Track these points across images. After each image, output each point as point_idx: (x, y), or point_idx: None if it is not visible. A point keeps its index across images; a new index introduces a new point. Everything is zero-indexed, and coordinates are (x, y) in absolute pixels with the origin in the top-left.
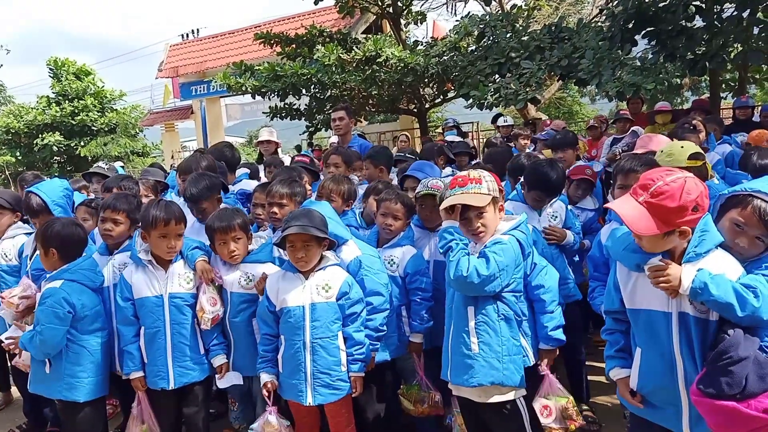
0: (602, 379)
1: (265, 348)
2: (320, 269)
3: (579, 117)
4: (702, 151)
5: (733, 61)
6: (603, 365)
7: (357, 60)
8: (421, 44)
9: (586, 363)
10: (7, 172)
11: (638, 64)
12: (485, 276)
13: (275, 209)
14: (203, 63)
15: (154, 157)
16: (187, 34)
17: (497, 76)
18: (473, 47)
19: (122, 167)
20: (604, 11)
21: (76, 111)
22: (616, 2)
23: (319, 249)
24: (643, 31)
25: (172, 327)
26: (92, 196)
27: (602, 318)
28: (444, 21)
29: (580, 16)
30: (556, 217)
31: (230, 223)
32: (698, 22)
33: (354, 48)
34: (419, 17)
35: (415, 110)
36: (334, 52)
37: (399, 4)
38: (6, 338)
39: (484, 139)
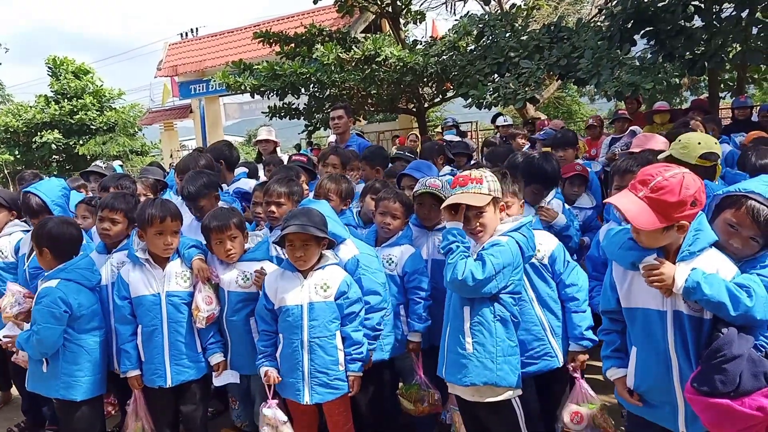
0: (599, 377)
1: (265, 343)
2: (319, 268)
3: (578, 117)
4: (717, 153)
5: (732, 61)
6: (600, 363)
7: (356, 59)
8: (420, 44)
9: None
10: (5, 171)
11: (637, 63)
12: (480, 280)
13: (273, 208)
14: (202, 62)
15: (153, 156)
16: (186, 33)
17: (496, 75)
18: (472, 47)
19: (121, 166)
20: (603, 11)
21: (75, 110)
22: (615, 2)
23: (318, 248)
24: (642, 31)
25: (170, 325)
26: (91, 194)
27: (600, 317)
28: (443, 20)
29: (579, 15)
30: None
31: (226, 222)
32: (697, 21)
33: (353, 47)
34: (418, 16)
35: (414, 110)
36: (333, 51)
37: (398, 3)
38: (3, 336)
39: (483, 139)
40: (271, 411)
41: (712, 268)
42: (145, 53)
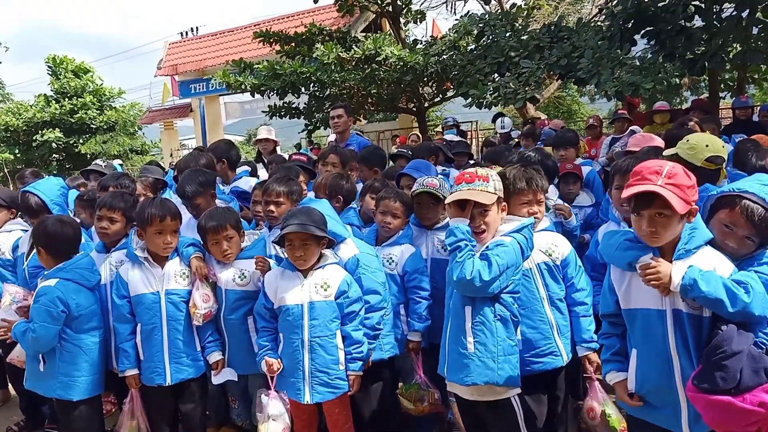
0: (598, 376)
1: (265, 339)
2: (319, 268)
3: (578, 116)
4: (723, 156)
5: (732, 61)
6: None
7: (356, 59)
8: (421, 43)
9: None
10: (5, 170)
11: (637, 63)
12: (486, 280)
13: (272, 207)
14: (202, 61)
15: (153, 155)
16: (187, 32)
17: (496, 75)
18: (472, 46)
19: (121, 165)
20: (604, 11)
21: (75, 109)
22: (616, 2)
23: (317, 247)
24: (643, 31)
25: (169, 323)
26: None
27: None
28: (443, 20)
29: (579, 15)
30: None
31: (222, 222)
32: (697, 21)
33: (353, 47)
34: (418, 16)
35: (414, 109)
36: (334, 50)
37: (398, 2)
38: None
39: (483, 138)
40: (275, 403)
41: (708, 266)
42: (145, 52)
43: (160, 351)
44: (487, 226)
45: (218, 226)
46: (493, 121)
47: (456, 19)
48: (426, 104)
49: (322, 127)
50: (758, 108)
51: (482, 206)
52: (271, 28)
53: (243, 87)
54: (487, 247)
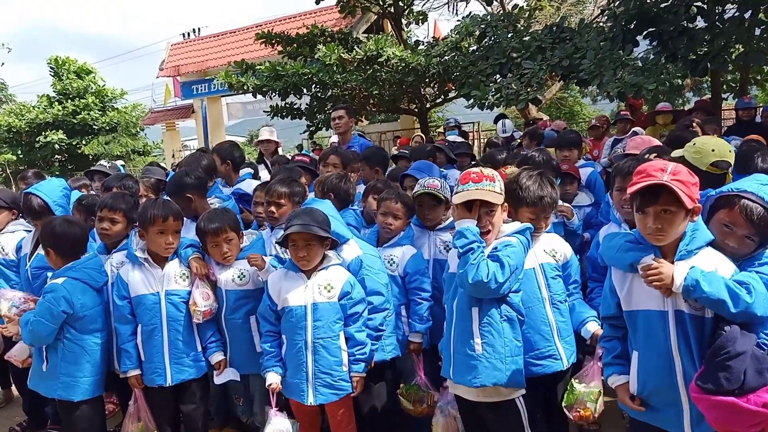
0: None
1: (270, 344)
2: (322, 269)
3: (580, 117)
4: (729, 161)
5: (735, 62)
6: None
7: (358, 60)
8: (423, 44)
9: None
10: (8, 171)
11: (640, 64)
12: (501, 282)
13: (273, 208)
14: (204, 62)
15: (155, 156)
16: (189, 33)
17: (498, 76)
18: (474, 47)
19: (123, 166)
20: (606, 12)
21: (78, 110)
22: (618, 3)
23: (321, 248)
24: (645, 32)
25: (169, 324)
26: (93, 193)
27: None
28: (445, 21)
29: (581, 16)
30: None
31: (221, 225)
32: (700, 22)
33: (355, 48)
34: (420, 17)
35: (416, 110)
36: (335, 51)
37: (400, 3)
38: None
39: (485, 139)
40: (279, 419)
41: (710, 267)
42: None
43: (161, 352)
44: (492, 227)
45: (218, 229)
46: (495, 122)
47: (458, 20)
48: (428, 105)
49: (324, 128)
50: (761, 109)
51: (489, 206)
52: (273, 30)
53: (245, 88)
54: (496, 248)
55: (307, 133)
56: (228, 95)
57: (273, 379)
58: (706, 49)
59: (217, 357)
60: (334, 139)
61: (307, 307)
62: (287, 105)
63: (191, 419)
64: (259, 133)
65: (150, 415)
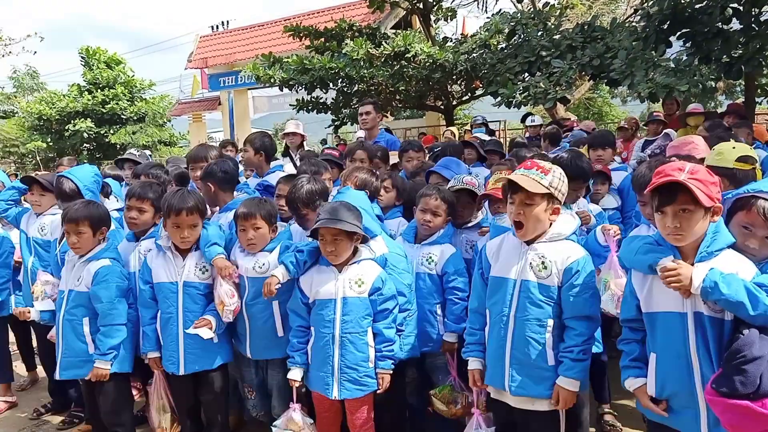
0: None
1: (299, 340)
2: (354, 263)
3: (609, 118)
4: (754, 156)
5: None
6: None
7: (385, 55)
8: (451, 41)
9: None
10: (38, 157)
11: (672, 65)
12: None
13: (282, 202)
14: (232, 55)
15: (181, 147)
16: (217, 26)
17: (527, 74)
18: (503, 45)
19: (150, 156)
20: (639, 11)
21: (107, 99)
22: (652, 2)
23: (350, 243)
24: (679, 33)
25: (185, 315)
26: (126, 182)
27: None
28: (474, 18)
29: (614, 15)
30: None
31: (252, 211)
32: (735, 24)
33: (383, 43)
34: (449, 14)
35: (442, 107)
36: (363, 46)
37: (429, 0)
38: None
39: (510, 139)
40: (299, 415)
41: (730, 269)
42: (176, 45)
43: (175, 341)
44: (526, 220)
45: (248, 214)
46: (522, 120)
47: (487, 17)
48: (454, 102)
49: (349, 123)
50: None
51: (526, 195)
52: (301, 23)
53: (272, 81)
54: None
55: (332, 127)
56: (254, 88)
57: (295, 375)
58: (740, 52)
59: (208, 317)
60: (361, 134)
61: (336, 300)
62: (313, 99)
63: (209, 409)
64: (285, 126)
65: (169, 396)
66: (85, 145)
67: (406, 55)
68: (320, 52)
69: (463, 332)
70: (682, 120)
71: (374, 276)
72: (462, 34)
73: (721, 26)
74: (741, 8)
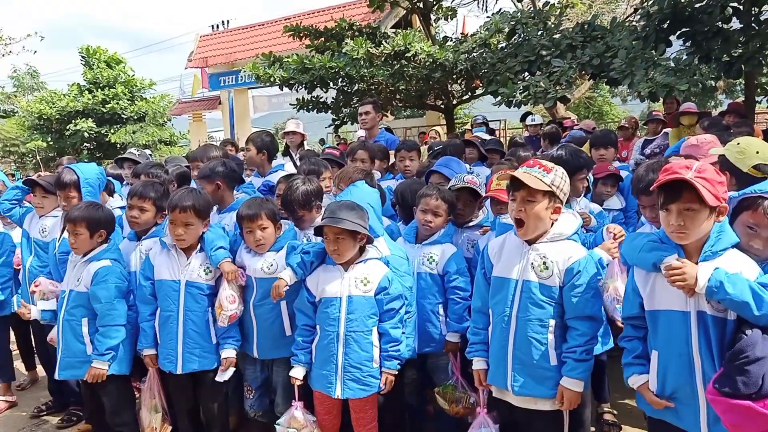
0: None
1: (304, 338)
2: (360, 262)
3: (609, 117)
4: None
5: None
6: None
7: (385, 54)
8: (451, 40)
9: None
10: (38, 157)
11: (672, 64)
12: None
13: (278, 201)
14: (232, 54)
15: (182, 146)
16: (217, 26)
17: (527, 73)
18: (503, 44)
19: (150, 155)
20: (639, 10)
21: (107, 99)
22: (652, 2)
23: (353, 242)
24: (678, 32)
25: (185, 314)
26: (126, 182)
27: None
28: (474, 17)
29: (614, 15)
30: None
31: (257, 212)
32: (735, 23)
33: (383, 42)
34: (449, 13)
35: (443, 106)
36: (363, 46)
37: None
38: (41, 310)
39: (510, 138)
40: (301, 413)
41: (735, 269)
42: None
43: (174, 339)
44: (527, 217)
45: (254, 215)
46: (522, 120)
47: (487, 17)
48: (454, 102)
49: (349, 122)
50: None
51: (528, 192)
52: (301, 23)
53: (272, 80)
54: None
55: (332, 126)
56: (254, 87)
57: (297, 373)
58: (740, 51)
59: (227, 353)
60: (361, 133)
61: (342, 299)
62: (313, 98)
63: (207, 409)
64: (285, 125)
65: (162, 395)
66: (85, 144)
67: (406, 55)
68: (320, 52)
69: (466, 332)
70: (675, 119)
71: (380, 275)
72: (462, 33)
73: (721, 25)
74: (741, 7)
